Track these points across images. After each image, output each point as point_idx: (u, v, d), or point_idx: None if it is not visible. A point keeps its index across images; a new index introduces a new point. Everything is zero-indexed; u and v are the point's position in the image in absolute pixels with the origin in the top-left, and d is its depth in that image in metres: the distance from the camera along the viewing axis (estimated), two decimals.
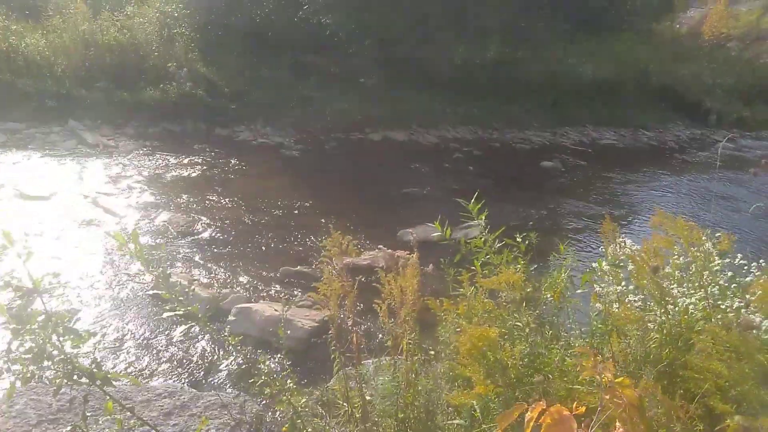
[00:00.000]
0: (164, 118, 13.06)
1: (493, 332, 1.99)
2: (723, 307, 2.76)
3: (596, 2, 20.16)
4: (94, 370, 2.13)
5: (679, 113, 18.66)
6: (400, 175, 11.58)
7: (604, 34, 21.39)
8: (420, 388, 2.44)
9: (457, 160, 13.25)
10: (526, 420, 1.28)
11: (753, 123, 18.97)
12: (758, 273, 2.93)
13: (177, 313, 2.34)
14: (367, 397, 2.57)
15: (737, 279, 3.13)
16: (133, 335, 5.32)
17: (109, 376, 2.16)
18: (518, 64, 17.00)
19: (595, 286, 3.21)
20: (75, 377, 2.08)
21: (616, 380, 1.20)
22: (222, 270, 6.88)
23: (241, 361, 4.76)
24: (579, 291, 3.12)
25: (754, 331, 2.12)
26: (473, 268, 3.11)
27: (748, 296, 2.90)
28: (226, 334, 5.06)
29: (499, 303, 2.71)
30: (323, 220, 8.55)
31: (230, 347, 5.19)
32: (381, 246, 7.12)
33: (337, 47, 16.00)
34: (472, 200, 3.00)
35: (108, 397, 2.12)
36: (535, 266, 3.16)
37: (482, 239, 3.24)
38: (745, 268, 3.13)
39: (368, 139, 14.23)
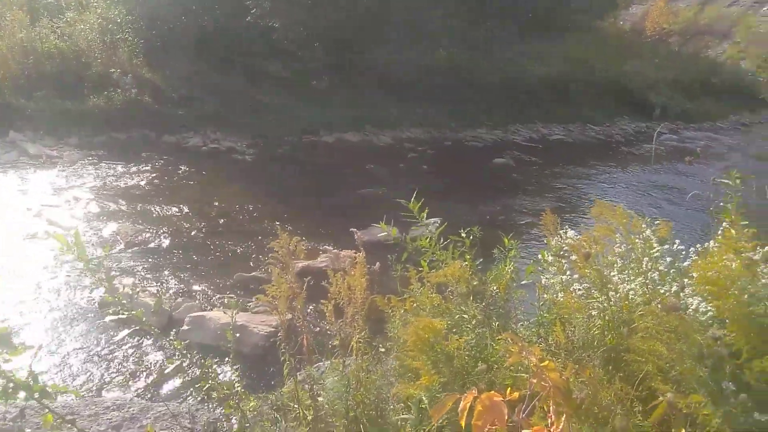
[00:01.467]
0: (109, 126, 12.68)
1: (438, 323, 2.01)
2: (662, 291, 2.84)
3: (543, 2, 20.63)
4: (31, 383, 2.06)
5: (625, 108, 19.25)
6: (355, 176, 11.58)
7: (551, 34, 21.94)
8: (370, 385, 2.44)
9: (411, 160, 13.34)
10: (459, 409, 1.29)
11: (695, 115, 19.74)
12: (695, 257, 3.04)
13: (120, 316, 2.29)
14: (319, 399, 2.55)
15: (676, 264, 3.23)
16: (80, 348, 5.15)
17: (48, 389, 2.09)
18: (470, 66, 17.25)
19: (541, 276, 3.28)
20: (11, 391, 2.01)
21: (542, 364, 1.22)
22: (174, 279, 6.73)
23: (193, 371, 4.67)
24: (525, 282, 3.18)
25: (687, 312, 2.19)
26: (421, 266, 3.13)
27: (685, 280, 3.00)
28: (170, 342, 4.96)
29: (447, 297, 2.73)
30: (278, 225, 8.44)
31: (182, 357, 5.09)
32: (328, 247, 7.10)
33: (288, 52, 15.89)
34: (412, 199, 3.02)
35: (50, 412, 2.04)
36: (480, 260, 3.20)
37: (428, 237, 3.26)
38: (683, 253, 3.23)
39: (322, 141, 14.18)
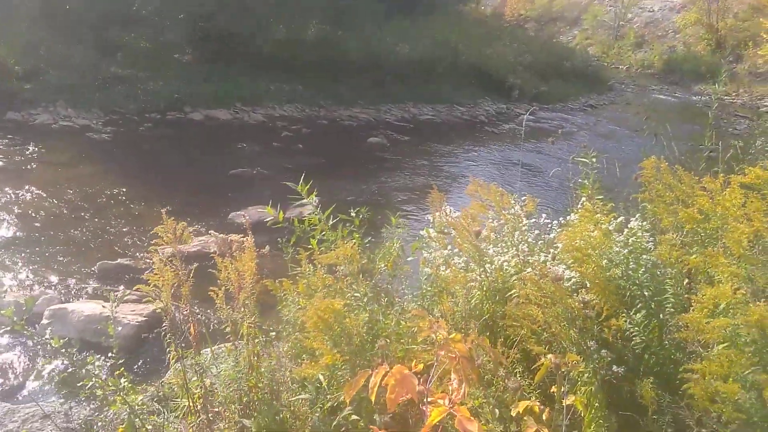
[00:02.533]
0: None
1: (338, 304, 2.04)
2: (532, 261, 3.08)
3: None
4: None
5: (487, 89, 20.28)
6: (227, 155, 11.17)
7: (417, 15, 22.46)
8: (263, 369, 2.41)
9: (285, 138, 13.11)
10: (371, 384, 1.33)
11: (549, 96, 21.27)
12: (559, 229, 3.32)
13: None
14: (208, 387, 2.48)
15: (542, 236, 3.52)
16: None
17: None
18: (340, 43, 17.19)
19: (424, 252, 3.42)
20: None
21: (449, 337, 1.30)
22: (28, 271, 6.13)
23: (63, 367, 4.31)
24: (410, 258, 3.29)
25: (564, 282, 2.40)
26: (311, 246, 3.13)
27: (552, 250, 3.28)
28: (39, 339, 4.54)
29: (338, 277, 2.76)
30: (143, 208, 7.96)
31: (47, 353, 4.68)
32: (212, 231, 6.85)
33: (147, 22, 14.82)
34: (300, 181, 3.00)
35: None
36: (369, 239, 3.27)
37: (317, 217, 3.26)
38: (549, 225, 3.52)
39: (188, 119, 13.46)
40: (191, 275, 2.55)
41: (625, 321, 2.65)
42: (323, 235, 3.15)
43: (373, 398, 1.31)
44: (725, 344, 2.16)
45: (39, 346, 4.73)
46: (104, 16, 14.60)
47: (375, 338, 2.33)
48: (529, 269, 2.93)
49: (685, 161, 4.76)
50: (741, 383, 2.03)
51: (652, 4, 38.42)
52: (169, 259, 2.66)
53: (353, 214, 3.16)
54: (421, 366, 1.42)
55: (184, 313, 2.54)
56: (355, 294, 2.53)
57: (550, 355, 1.75)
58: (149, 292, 2.42)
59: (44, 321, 5.21)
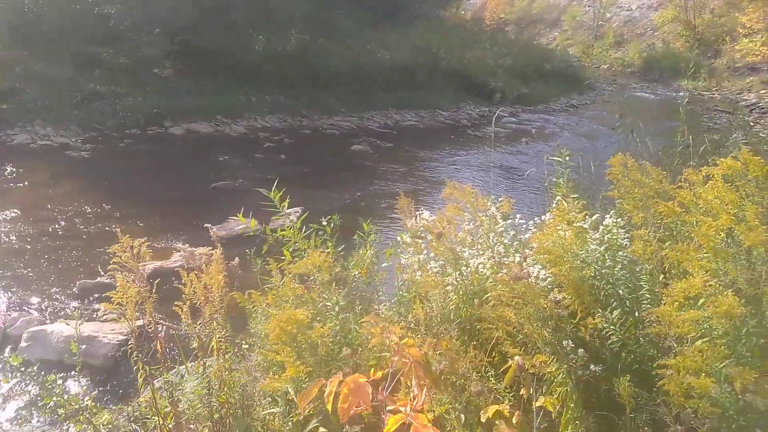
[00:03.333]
0: None
1: (300, 314, 1.99)
2: (507, 262, 3.05)
3: None
4: None
5: (469, 93, 20.38)
6: (208, 168, 11.09)
7: (398, 22, 22.54)
8: (234, 384, 2.36)
9: (268, 149, 13.06)
10: (326, 394, 1.29)
11: (530, 98, 21.40)
12: (533, 229, 3.29)
13: None
14: (179, 404, 2.42)
15: (518, 237, 3.49)
16: None
17: None
18: (320, 52, 17.21)
19: (400, 258, 3.38)
20: None
21: (402, 341, 1.26)
22: (6, 292, 6.02)
23: (34, 389, 4.21)
24: (385, 264, 3.25)
25: (530, 280, 2.37)
26: (284, 257, 3.08)
27: (527, 250, 3.25)
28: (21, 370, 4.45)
29: (309, 287, 2.71)
30: (124, 225, 7.86)
31: (23, 376, 4.59)
32: (180, 245, 6.78)
33: (125, 38, 14.73)
34: (273, 188, 2.96)
35: None
36: (343, 246, 3.23)
37: (289, 227, 3.22)
38: (524, 226, 3.49)
39: (169, 133, 13.37)
40: (154, 291, 2.49)
41: (601, 320, 2.63)
42: (296, 245, 3.11)
43: (329, 407, 1.27)
44: (701, 338, 2.14)
45: (11, 368, 4.63)
46: (81, 33, 14.50)
47: (348, 348, 2.28)
48: (504, 270, 2.90)
49: (660, 157, 4.77)
50: (715, 377, 2.01)
51: (630, 2, 38.86)
52: (135, 276, 2.60)
53: (324, 223, 3.12)
54: (380, 374, 1.38)
55: (149, 330, 2.48)
56: (327, 303, 2.48)
57: (517, 357, 1.72)
58: (113, 310, 2.36)
59: (23, 344, 5.12)
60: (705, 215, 2.23)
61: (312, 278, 2.79)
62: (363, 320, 2.59)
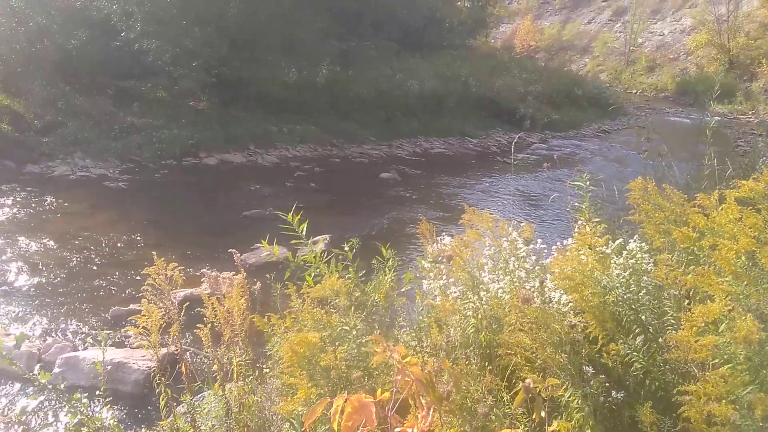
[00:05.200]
0: None
1: (313, 336, 2.02)
2: (528, 287, 3.04)
3: (416, 21, 21.45)
4: None
5: (499, 120, 20.41)
6: (240, 198, 11.32)
7: (425, 52, 22.84)
8: (253, 407, 2.39)
9: (298, 178, 13.27)
10: (331, 412, 1.31)
11: (561, 124, 21.29)
12: (554, 254, 3.27)
13: None
14: (200, 428, 2.46)
15: (540, 261, 3.47)
16: None
17: None
18: (350, 83, 17.54)
19: (422, 282, 3.40)
20: None
21: (404, 360, 1.28)
22: (43, 319, 6.22)
23: (67, 416, 4.31)
24: (405, 289, 3.27)
25: (538, 304, 2.36)
26: (306, 283, 3.13)
27: (547, 275, 3.23)
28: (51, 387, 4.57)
29: (328, 311, 2.75)
30: (156, 253, 8.05)
31: (58, 402, 4.70)
32: (206, 271, 6.89)
33: (162, 71, 15.29)
34: (290, 213, 3.03)
35: None
36: (364, 272, 3.26)
37: (312, 253, 3.27)
38: (545, 251, 3.47)
39: (203, 163, 13.72)
40: (182, 315, 2.56)
41: (624, 346, 2.58)
42: (318, 270, 3.16)
43: (335, 426, 1.29)
44: (724, 363, 2.09)
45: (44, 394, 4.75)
46: (120, 68, 15.12)
47: (365, 371, 2.30)
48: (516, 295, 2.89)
49: (688, 181, 4.70)
50: (738, 404, 1.96)
51: (662, 28, 38.59)
52: (162, 300, 2.68)
53: (346, 248, 3.16)
54: (386, 394, 1.40)
55: (176, 354, 2.54)
56: (344, 327, 2.51)
57: (527, 380, 1.71)
58: (137, 333, 2.43)
59: (56, 369, 5.26)
60: (724, 238, 2.20)
61: (332, 302, 2.82)
62: (365, 340, 2.61)
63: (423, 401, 1.42)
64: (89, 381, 5.00)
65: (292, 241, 3.31)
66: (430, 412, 1.42)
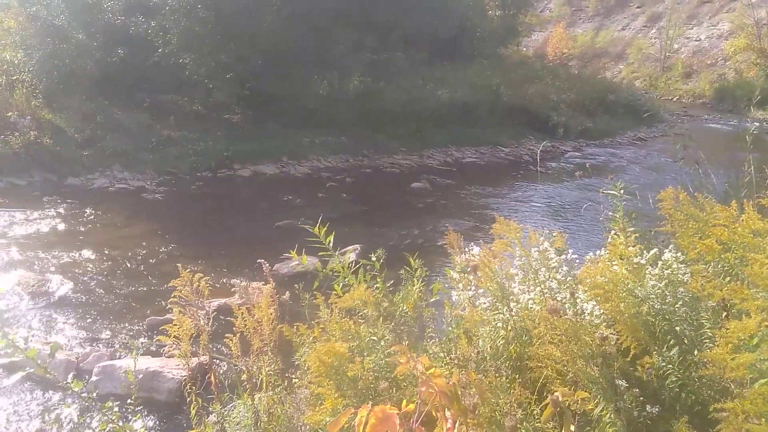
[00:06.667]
0: (8, 171, 11.94)
1: (340, 347, 2.03)
2: (559, 298, 2.99)
3: (446, 32, 21.46)
4: None
5: (531, 128, 20.22)
6: (273, 208, 11.46)
7: (456, 61, 22.82)
8: (281, 416, 2.41)
9: (330, 188, 13.38)
10: (355, 423, 1.31)
11: (595, 132, 20.99)
12: (586, 264, 3.22)
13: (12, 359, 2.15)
14: None
15: (571, 272, 3.41)
16: None
17: None
18: (380, 94, 17.65)
19: (451, 293, 3.37)
20: None
21: (429, 371, 1.27)
22: (81, 328, 6.38)
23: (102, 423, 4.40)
24: (433, 299, 3.25)
25: (564, 314, 2.32)
26: (335, 292, 3.14)
27: (579, 285, 3.17)
28: (86, 395, 4.68)
29: (357, 321, 2.75)
30: (191, 263, 8.21)
31: (93, 410, 4.81)
32: (235, 280, 6.98)
33: (197, 85, 15.66)
34: (317, 225, 3.05)
35: None
36: (392, 282, 3.26)
37: (339, 263, 3.29)
38: (577, 261, 3.42)
39: (237, 175, 13.96)
40: (212, 325, 2.60)
41: (659, 358, 2.52)
42: (346, 280, 3.17)
43: None
44: (763, 381, 2.02)
45: (84, 402, 4.87)
46: (158, 83, 15.54)
47: (392, 381, 2.29)
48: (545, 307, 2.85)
49: (726, 189, 4.58)
50: None
51: (699, 33, 37.80)
52: (195, 310, 2.72)
53: (374, 258, 3.17)
54: (411, 406, 1.40)
55: (204, 363, 2.57)
56: (372, 338, 2.51)
57: (556, 393, 1.68)
58: (169, 342, 2.48)
59: (93, 378, 5.38)
60: (750, 250, 2.13)
61: (360, 313, 2.83)
62: (389, 350, 2.60)
63: (448, 413, 1.41)
64: (123, 390, 5.09)
65: (320, 253, 3.33)
66: (456, 425, 1.41)
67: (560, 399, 1.62)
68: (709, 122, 24.88)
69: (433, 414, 1.42)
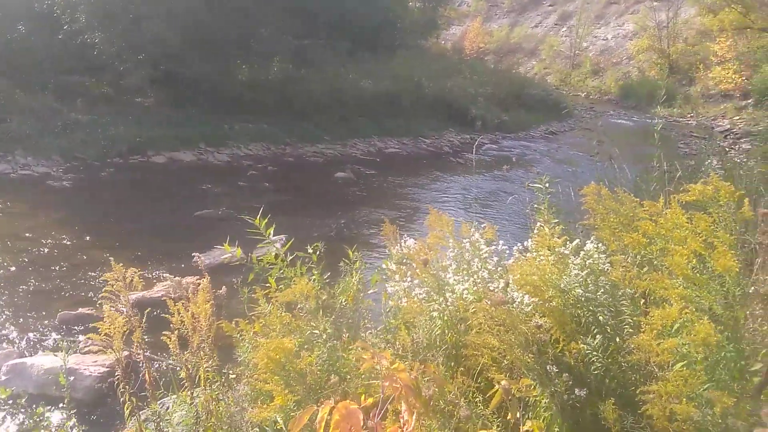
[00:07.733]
0: None
1: (288, 342, 2.01)
2: (491, 288, 3.10)
3: (370, 22, 21.46)
4: None
5: (451, 121, 20.66)
6: (192, 198, 11.06)
7: (380, 51, 22.88)
8: (221, 414, 2.35)
9: (252, 177, 13.08)
10: (317, 420, 1.31)
11: (511, 125, 21.73)
12: (516, 255, 3.35)
13: None
14: None
15: (502, 262, 3.54)
16: None
17: None
18: (303, 82, 17.39)
19: (387, 285, 3.41)
20: None
21: (392, 366, 1.29)
22: None
23: (16, 424, 4.13)
24: (371, 291, 3.28)
25: (508, 306, 2.41)
26: (269, 285, 3.09)
27: (510, 276, 3.29)
28: None
29: (296, 314, 2.73)
30: (106, 255, 7.78)
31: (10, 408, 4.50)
32: (167, 275, 6.73)
33: (107, 67, 14.78)
34: (258, 216, 2.99)
35: None
36: (329, 274, 3.25)
37: (275, 255, 3.23)
38: (507, 252, 3.55)
39: (151, 162, 13.35)
40: (144, 321, 2.49)
41: (584, 346, 2.66)
42: (282, 272, 3.12)
43: None
44: (681, 363, 2.19)
45: None
46: (64, 63, 14.53)
47: (335, 375, 2.30)
48: (488, 296, 2.94)
49: (638, 182, 4.89)
50: (697, 401, 2.05)
51: (606, 32, 39.93)
52: (123, 305, 2.60)
53: (310, 250, 3.14)
54: (370, 400, 1.41)
55: (138, 360, 2.47)
56: (314, 331, 2.50)
57: (503, 382, 1.75)
58: (99, 340, 2.35)
59: (2, 377, 5.03)
60: (673, 243, 2.30)
61: (299, 306, 2.80)
62: (352, 347, 2.61)
63: (405, 406, 1.44)
64: (38, 389, 4.81)
65: (259, 246, 3.27)
66: (413, 417, 1.43)
67: (508, 387, 1.69)
68: (615, 118, 26.41)
69: (397, 407, 1.44)
